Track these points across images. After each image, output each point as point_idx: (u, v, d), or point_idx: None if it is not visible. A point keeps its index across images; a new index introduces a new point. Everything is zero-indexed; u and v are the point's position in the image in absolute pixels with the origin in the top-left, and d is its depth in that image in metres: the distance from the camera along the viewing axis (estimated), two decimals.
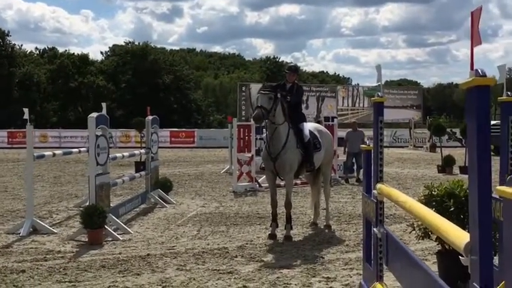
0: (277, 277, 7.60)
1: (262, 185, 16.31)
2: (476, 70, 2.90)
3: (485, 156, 2.89)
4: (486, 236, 2.88)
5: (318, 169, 11.34)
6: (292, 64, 11.84)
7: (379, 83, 6.35)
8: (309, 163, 10.71)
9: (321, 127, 12.21)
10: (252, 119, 10.43)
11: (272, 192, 10.78)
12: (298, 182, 16.15)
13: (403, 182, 19.07)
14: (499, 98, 6.06)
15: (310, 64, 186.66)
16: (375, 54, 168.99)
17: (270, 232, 10.35)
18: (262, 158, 10.89)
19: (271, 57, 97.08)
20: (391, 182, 18.74)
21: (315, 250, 9.33)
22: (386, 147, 21.03)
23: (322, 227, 11.27)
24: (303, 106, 50.60)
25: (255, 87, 51.29)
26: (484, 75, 2.86)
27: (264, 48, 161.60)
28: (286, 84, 10.92)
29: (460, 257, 3.17)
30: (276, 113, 10.17)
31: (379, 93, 6.02)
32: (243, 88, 51.41)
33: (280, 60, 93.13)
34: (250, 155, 17.24)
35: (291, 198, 10.84)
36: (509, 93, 6.06)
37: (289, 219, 10.43)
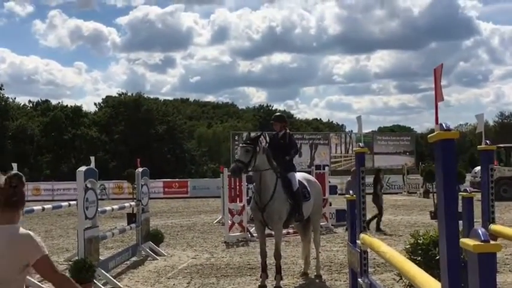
0: None
1: (254, 234, 16.28)
2: (441, 124, 2.98)
3: (452, 205, 2.95)
4: (455, 283, 2.92)
5: (308, 219, 11.33)
6: (277, 114, 12.00)
7: (360, 134, 6.43)
8: (298, 213, 10.67)
9: (310, 177, 12.25)
10: (228, 172, 10.31)
11: (261, 242, 10.70)
12: (291, 231, 16.13)
13: (395, 230, 19.06)
14: (478, 146, 6.15)
15: (303, 111, 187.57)
16: (367, 101, 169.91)
17: (260, 283, 10.30)
18: (251, 208, 10.90)
19: (264, 105, 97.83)
20: (383, 229, 18.74)
21: None
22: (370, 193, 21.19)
23: (313, 277, 11.24)
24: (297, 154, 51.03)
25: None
26: (449, 130, 2.94)
27: (256, 97, 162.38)
28: (278, 133, 11.17)
29: None
30: (256, 162, 10.19)
31: (361, 144, 6.11)
32: (236, 137, 51.57)
33: (273, 108, 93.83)
34: (241, 204, 17.23)
35: (281, 249, 10.83)
36: (487, 142, 6.15)
37: (279, 270, 10.42)
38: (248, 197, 18.70)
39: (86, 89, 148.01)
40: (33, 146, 71.74)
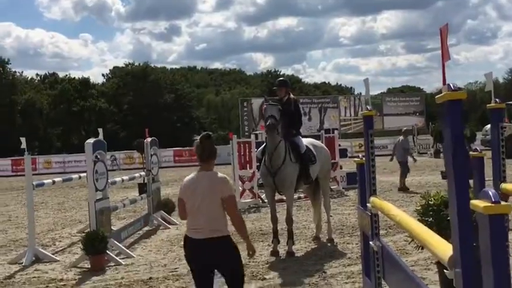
0: None
1: (265, 200, 16.29)
2: (448, 85, 2.92)
3: (461, 165, 2.90)
4: (467, 247, 2.88)
5: (317, 183, 11.30)
6: (280, 78, 11.65)
7: (368, 97, 6.35)
8: (306, 176, 10.59)
9: (316, 142, 12.06)
10: (266, 128, 10.13)
11: (272, 208, 10.63)
12: (302, 196, 16.13)
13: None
14: (487, 105, 6.07)
15: (311, 75, 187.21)
16: (375, 62, 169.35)
17: (272, 249, 10.29)
18: (261, 174, 10.80)
19: (272, 70, 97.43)
20: (393, 191, 18.72)
21: (318, 265, 9.30)
22: (390, 155, 21.07)
23: (324, 241, 11.24)
24: (306, 118, 50.86)
25: (256, 102, 51.46)
26: (456, 90, 2.88)
27: (264, 62, 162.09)
28: (282, 99, 10.76)
29: (444, 270, 3.17)
30: (280, 125, 10.14)
31: (368, 107, 6.04)
32: (245, 103, 51.55)
33: (281, 73, 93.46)
34: (252, 171, 17.22)
35: (292, 213, 10.77)
36: (497, 100, 6.06)
37: (291, 235, 10.35)
38: (257, 163, 18.72)
39: (93, 60, 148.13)
40: (42, 119, 71.91)
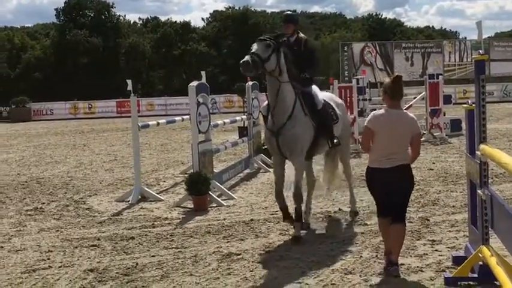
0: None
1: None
2: None
3: None
4: None
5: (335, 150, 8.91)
6: (287, 13, 9.17)
7: (480, 41, 6.07)
8: (329, 138, 8.30)
9: (335, 97, 9.80)
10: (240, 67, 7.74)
11: (277, 179, 8.28)
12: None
13: None
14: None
15: (413, 19, 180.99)
16: (482, 6, 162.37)
17: (294, 234, 8.06)
18: (265, 136, 8.97)
19: (373, 14, 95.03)
20: (501, 139, 18.10)
21: (420, 212, 9.14)
22: (496, 102, 20.38)
23: (347, 217, 9.15)
24: (408, 63, 49.65)
25: (357, 47, 50.72)
26: None
27: (364, 6, 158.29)
28: (289, 39, 8.50)
29: None
30: (279, 65, 7.84)
31: (481, 51, 5.79)
32: (345, 48, 50.88)
33: (382, 16, 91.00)
34: (353, 116, 17.03)
35: (302, 187, 8.30)
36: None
37: (298, 216, 8.09)
38: (359, 108, 18.52)
39: (193, 4, 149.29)
40: (145, 62, 73.46)
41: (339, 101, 9.46)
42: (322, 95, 8.56)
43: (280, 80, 7.84)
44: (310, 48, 8.90)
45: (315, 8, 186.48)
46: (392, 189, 6.23)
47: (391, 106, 6.29)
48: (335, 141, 8.36)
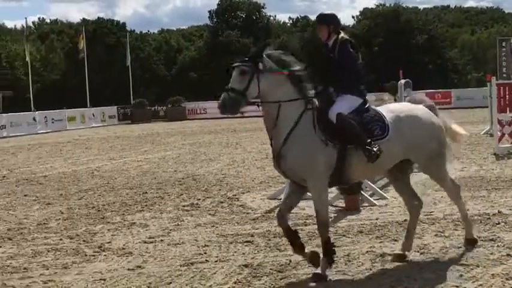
0: None
1: None
2: None
3: None
4: None
5: (405, 169, 7.42)
6: (322, 12, 7.55)
7: None
8: (366, 150, 6.60)
9: (406, 108, 7.27)
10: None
11: (283, 202, 7.23)
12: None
13: None
14: None
15: None
16: None
17: (316, 271, 6.62)
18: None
19: None
20: None
21: None
22: None
23: (460, 245, 7.56)
24: None
25: None
26: None
27: None
28: (327, 44, 7.18)
29: None
30: (261, 88, 6.60)
31: None
32: (503, 43, 48.44)
33: None
34: (511, 115, 16.28)
35: (327, 215, 6.84)
36: None
37: (327, 251, 6.65)
38: None
39: (343, 2, 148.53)
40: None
41: (412, 113, 7.11)
42: (383, 108, 7.18)
43: (269, 100, 6.65)
44: (347, 52, 7.06)
45: (470, 3, 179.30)
46: None
47: None
48: (373, 155, 6.60)
